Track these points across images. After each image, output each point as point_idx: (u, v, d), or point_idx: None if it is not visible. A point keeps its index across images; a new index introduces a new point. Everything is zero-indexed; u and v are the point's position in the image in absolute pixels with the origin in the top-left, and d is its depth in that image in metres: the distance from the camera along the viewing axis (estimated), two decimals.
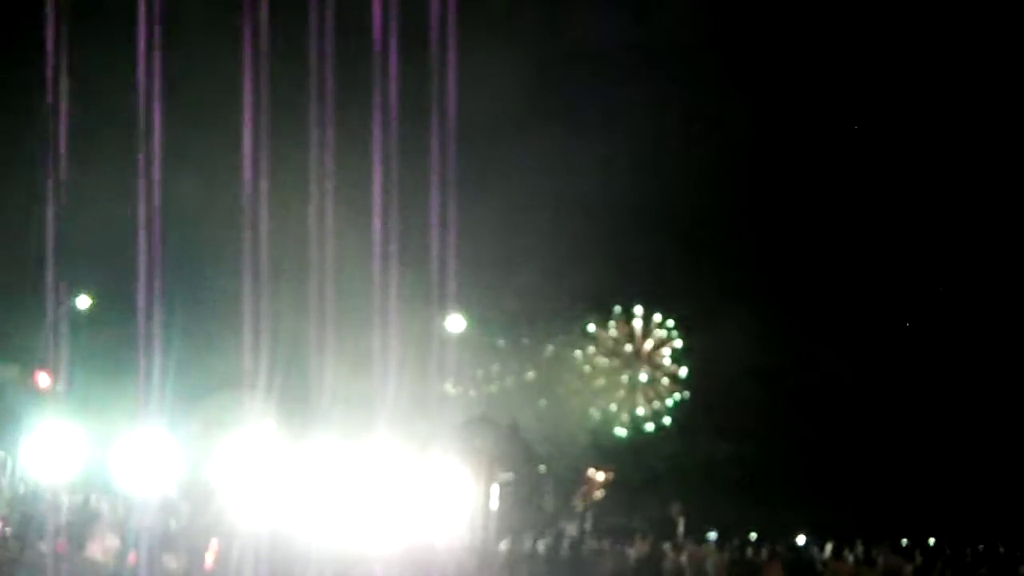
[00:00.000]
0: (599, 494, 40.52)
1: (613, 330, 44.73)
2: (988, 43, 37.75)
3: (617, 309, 44.04)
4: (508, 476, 34.36)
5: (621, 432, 44.01)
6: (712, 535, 33.92)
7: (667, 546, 26.55)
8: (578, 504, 40.59)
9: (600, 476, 41.36)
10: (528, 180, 39.71)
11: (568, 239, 42.27)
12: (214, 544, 16.88)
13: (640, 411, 44.56)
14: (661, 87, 38.47)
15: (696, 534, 34.10)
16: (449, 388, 37.34)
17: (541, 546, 24.37)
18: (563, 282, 42.22)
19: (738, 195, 40.70)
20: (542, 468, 39.23)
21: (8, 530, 19.61)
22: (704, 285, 40.61)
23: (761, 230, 41.42)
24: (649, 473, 42.31)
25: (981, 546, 29.33)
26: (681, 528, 37.54)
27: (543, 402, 41.17)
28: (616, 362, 44.68)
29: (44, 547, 16.39)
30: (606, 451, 42.53)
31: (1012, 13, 36.38)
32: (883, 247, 40.78)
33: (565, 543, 25.08)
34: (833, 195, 40.75)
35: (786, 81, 39.47)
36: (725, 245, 41.43)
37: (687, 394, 44.41)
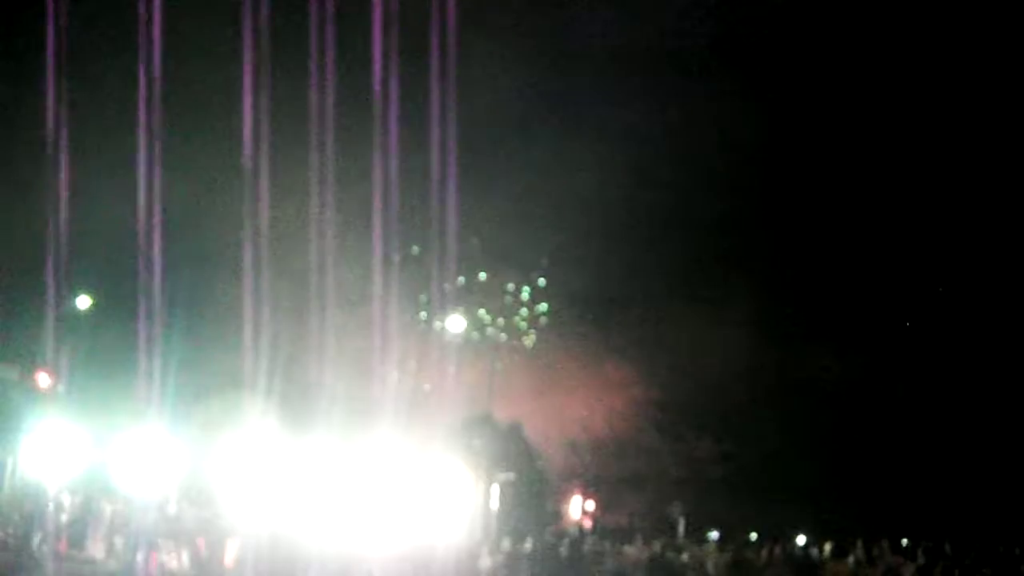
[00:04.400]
0: (587, 523, 40.51)
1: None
2: (988, 43, 37.77)
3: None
4: (508, 476, 34.35)
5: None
6: (712, 535, 33.90)
7: (667, 546, 26.56)
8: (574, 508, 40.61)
9: (589, 506, 41.44)
10: (527, 181, 39.74)
11: (564, 241, 42.34)
12: (231, 543, 16.94)
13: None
14: (659, 88, 38.51)
15: (696, 534, 34.09)
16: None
17: (541, 545, 24.38)
18: (557, 283, 42.27)
19: (731, 195, 40.69)
20: (548, 464, 39.24)
21: (8, 530, 19.65)
22: (696, 285, 40.56)
23: (754, 229, 41.39)
24: (631, 471, 42.24)
25: (979, 547, 29.30)
26: (681, 528, 37.52)
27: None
28: None
29: (45, 547, 16.44)
30: (583, 448, 42.41)
31: (1012, 13, 36.39)
32: (881, 245, 40.77)
33: (565, 543, 25.10)
34: (826, 193, 40.73)
35: (783, 82, 39.48)
36: (716, 245, 41.40)
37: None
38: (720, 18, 38.46)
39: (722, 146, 39.94)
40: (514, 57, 35.83)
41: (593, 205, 39.57)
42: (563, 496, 41.86)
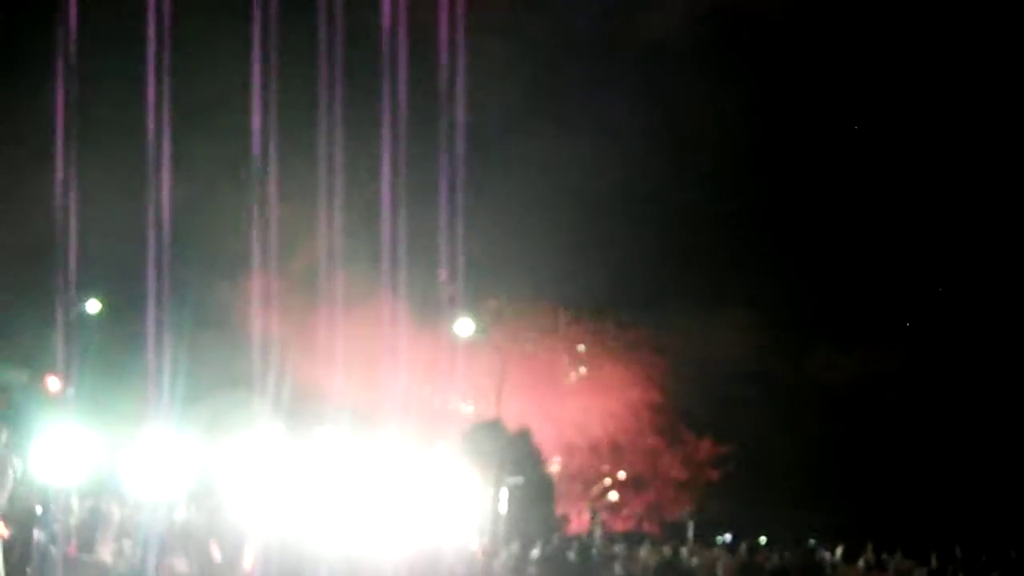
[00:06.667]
0: (612, 495, 40.34)
1: None
2: (988, 43, 37.71)
3: None
4: (517, 480, 34.29)
5: None
6: (721, 538, 33.84)
7: (676, 550, 26.49)
8: (587, 506, 40.51)
9: (620, 475, 41.24)
10: (522, 182, 39.71)
11: (561, 242, 42.29)
12: (244, 547, 16.90)
13: None
14: (657, 85, 38.47)
15: (706, 538, 34.04)
16: (463, 406, 37.46)
17: (550, 550, 24.35)
18: (559, 286, 42.19)
19: (733, 195, 40.67)
20: (555, 468, 39.18)
21: (17, 533, 19.61)
22: (699, 287, 40.52)
23: (754, 229, 41.36)
24: (635, 474, 42.19)
25: (990, 551, 29.20)
26: (691, 532, 37.48)
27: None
28: None
29: (54, 550, 16.41)
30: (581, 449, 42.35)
31: (1012, 13, 36.35)
32: (881, 245, 40.71)
33: (575, 546, 25.07)
34: (828, 194, 40.69)
35: (784, 80, 39.41)
36: (717, 245, 41.38)
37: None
38: (719, 11, 38.45)
39: (721, 143, 39.93)
40: (510, 53, 35.82)
41: (591, 203, 39.51)
42: (571, 500, 41.82)
